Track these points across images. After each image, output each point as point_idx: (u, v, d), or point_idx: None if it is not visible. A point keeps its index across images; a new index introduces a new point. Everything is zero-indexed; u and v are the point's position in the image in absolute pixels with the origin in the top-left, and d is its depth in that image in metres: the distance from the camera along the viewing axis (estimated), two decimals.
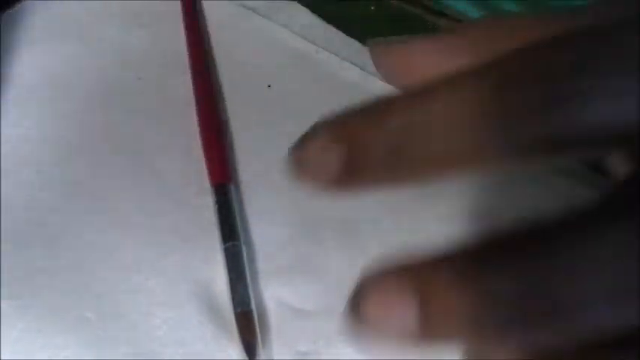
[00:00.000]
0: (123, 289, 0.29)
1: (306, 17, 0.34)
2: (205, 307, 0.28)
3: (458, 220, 0.29)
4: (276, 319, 0.28)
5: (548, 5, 0.35)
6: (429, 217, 0.29)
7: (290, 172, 0.17)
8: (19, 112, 0.33)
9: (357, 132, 0.16)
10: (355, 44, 0.33)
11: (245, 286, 0.28)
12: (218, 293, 0.29)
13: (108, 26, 0.36)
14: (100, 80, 0.34)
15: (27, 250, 0.30)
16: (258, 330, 0.27)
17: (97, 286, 0.29)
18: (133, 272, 0.29)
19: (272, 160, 0.31)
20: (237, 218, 0.30)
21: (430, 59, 0.24)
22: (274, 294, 0.29)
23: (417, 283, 0.15)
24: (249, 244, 0.30)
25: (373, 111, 0.16)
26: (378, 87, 0.32)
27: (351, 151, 0.16)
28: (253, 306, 0.28)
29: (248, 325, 0.27)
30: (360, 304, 0.15)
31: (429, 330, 0.15)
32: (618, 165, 0.19)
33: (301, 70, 0.33)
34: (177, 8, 0.36)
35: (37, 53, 0.35)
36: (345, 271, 0.29)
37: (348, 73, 0.32)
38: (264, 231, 0.30)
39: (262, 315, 0.28)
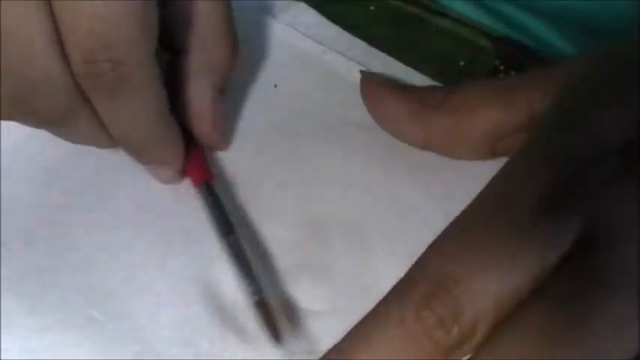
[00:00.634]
0: (130, 289, 0.29)
1: (312, 17, 0.34)
2: (212, 308, 0.28)
3: None
4: (282, 320, 0.28)
5: (542, 7, 0.36)
6: (438, 218, 0.29)
7: None
8: None
9: None
10: (362, 45, 0.33)
11: (253, 276, 0.27)
12: (225, 293, 0.29)
13: None
14: None
15: (34, 248, 0.30)
16: (276, 316, 0.27)
17: (104, 285, 0.29)
18: (139, 272, 0.29)
19: (279, 160, 0.31)
20: (228, 211, 0.29)
21: (401, 114, 0.29)
22: (280, 294, 0.29)
23: None
24: (257, 244, 0.30)
25: None
26: None
27: None
28: (265, 293, 0.27)
29: (267, 310, 0.27)
30: None
31: None
32: None
33: (307, 70, 0.33)
34: None
35: None
36: (353, 272, 0.29)
37: (354, 73, 0.32)
38: (272, 231, 0.30)
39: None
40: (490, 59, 0.33)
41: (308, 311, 0.28)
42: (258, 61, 0.34)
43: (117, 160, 0.31)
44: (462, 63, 0.33)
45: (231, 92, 0.33)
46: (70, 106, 0.26)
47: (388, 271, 0.28)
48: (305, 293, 0.29)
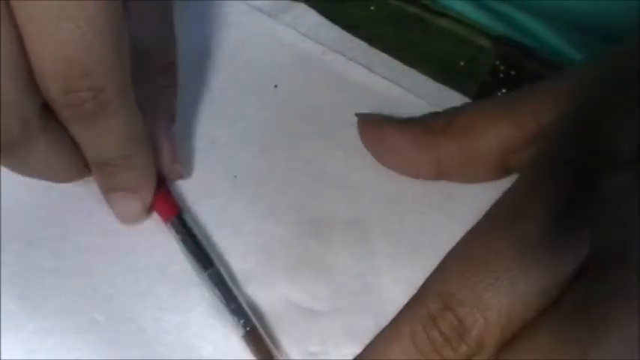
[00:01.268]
0: (132, 293, 0.29)
1: (312, 17, 0.34)
2: (214, 312, 0.28)
3: (467, 221, 0.29)
4: (284, 319, 0.28)
5: (542, 7, 0.36)
6: (439, 219, 0.29)
7: None
8: None
9: None
10: (362, 45, 0.33)
11: (239, 305, 0.28)
12: None
13: None
14: None
15: (37, 251, 0.30)
16: (269, 343, 0.27)
17: (107, 288, 0.29)
18: (141, 276, 0.29)
19: (279, 159, 0.31)
20: (204, 243, 0.29)
21: (407, 145, 0.29)
22: (283, 294, 0.29)
23: None
24: (257, 243, 0.30)
25: None
26: (384, 87, 0.32)
27: None
28: (254, 321, 0.27)
29: (258, 342, 0.27)
30: None
31: None
32: None
33: (308, 71, 0.33)
34: None
35: None
36: (355, 272, 0.29)
37: (354, 73, 0.32)
38: (272, 230, 0.30)
39: (271, 315, 0.28)
40: (490, 59, 0.33)
41: (310, 311, 0.28)
42: (258, 61, 0.34)
43: None
44: (462, 63, 0.33)
45: (231, 92, 0.33)
46: (24, 134, 0.25)
47: (389, 271, 0.29)
48: (305, 292, 0.29)
